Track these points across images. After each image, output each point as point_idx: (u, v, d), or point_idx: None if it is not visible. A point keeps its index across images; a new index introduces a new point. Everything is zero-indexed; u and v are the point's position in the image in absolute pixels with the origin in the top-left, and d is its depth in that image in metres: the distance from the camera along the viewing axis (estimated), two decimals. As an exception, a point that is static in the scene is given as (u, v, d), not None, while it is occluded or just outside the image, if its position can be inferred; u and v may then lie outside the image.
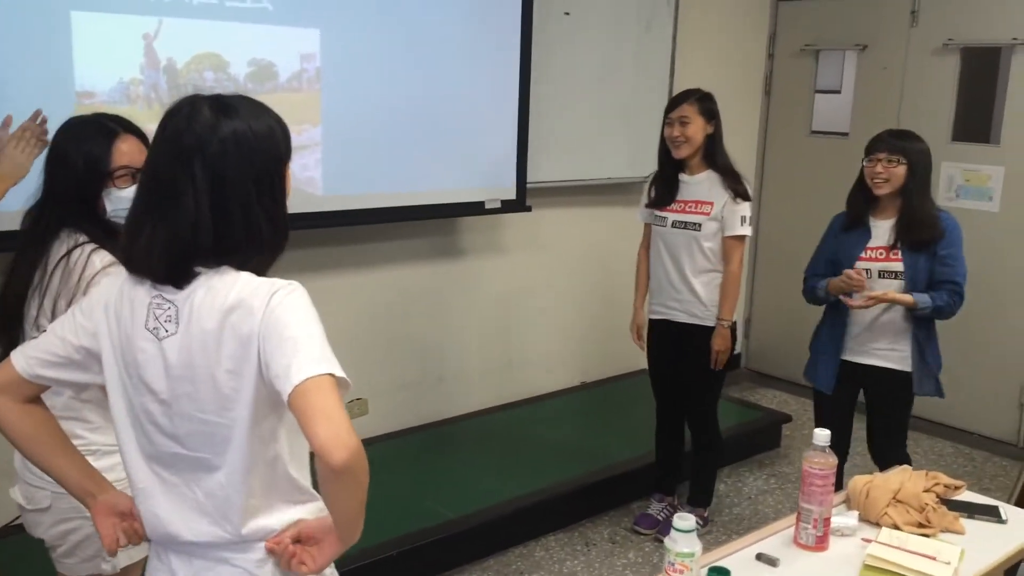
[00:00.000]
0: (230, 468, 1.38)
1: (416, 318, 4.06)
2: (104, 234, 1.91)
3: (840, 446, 3.05)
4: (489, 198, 3.92)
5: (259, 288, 1.35)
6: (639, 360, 4.96)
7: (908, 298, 2.91)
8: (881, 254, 3.00)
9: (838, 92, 5.67)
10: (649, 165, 4.66)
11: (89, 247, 1.88)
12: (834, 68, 5.28)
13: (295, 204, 2.75)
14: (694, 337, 3.38)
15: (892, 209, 3.00)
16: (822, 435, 1.88)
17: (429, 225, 3.98)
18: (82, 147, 1.93)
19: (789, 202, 5.22)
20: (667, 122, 3.34)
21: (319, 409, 1.25)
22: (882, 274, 2.98)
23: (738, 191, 3.30)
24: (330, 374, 1.27)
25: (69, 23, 2.71)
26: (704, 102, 3.33)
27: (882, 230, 3.01)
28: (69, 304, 1.83)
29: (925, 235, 2.93)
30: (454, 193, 3.80)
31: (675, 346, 3.46)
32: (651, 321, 3.53)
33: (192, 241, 1.34)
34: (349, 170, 3.43)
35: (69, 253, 1.87)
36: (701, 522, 3.60)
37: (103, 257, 1.88)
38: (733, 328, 3.38)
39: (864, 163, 3.04)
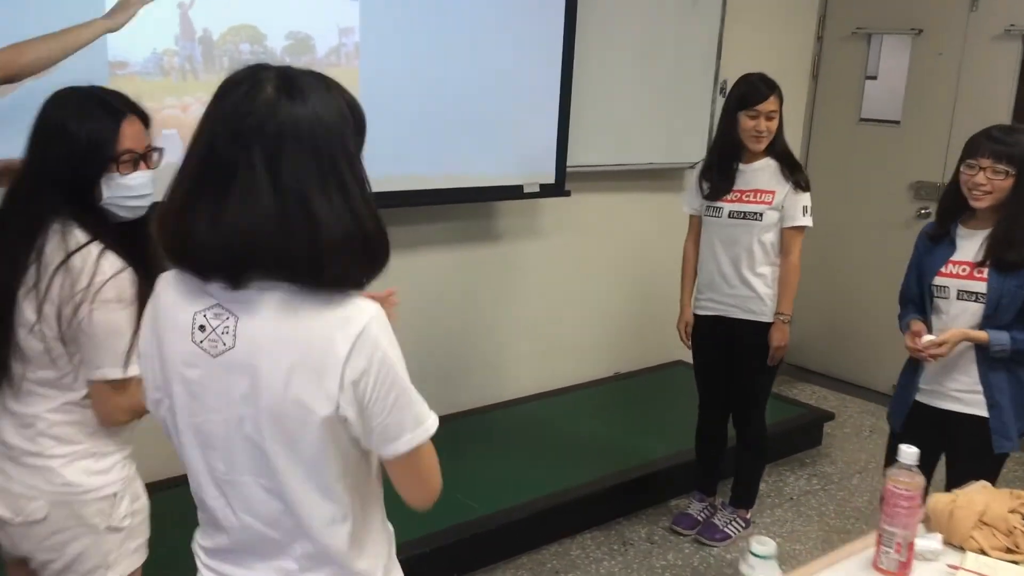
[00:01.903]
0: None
1: (450, 303, 3.93)
2: (100, 227, 1.74)
3: None
4: (527, 182, 3.77)
5: (336, 316, 1.19)
6: (673, 352, 4.85)
7: (981, 335, 2.51)
8: (964, 270, 2.57)
9: (874, 78, 5.45)
10: (690, 151, 4.54)
11: (95, 250, 1.71)
12: (886, 52, 5.06)
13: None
14: (750, 334, 3.23)
15: (987, 220, 2.55)
16: (909, 452, 1.74)
17: (465, 208, 3.84)
18: (85, 125, 1.74)
19: (835, 191, 5.02)
20: (751, 114, 3.10)
21: (419, 474, 1.24)
22: (961, 295, 2.57)
23: (799, 180, 3.13)
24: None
25: (102, -10, 2.58)
26: (780, 91, 3.15)
27: (970, 243, 2.58)
28: (76, 312, 1.69)
29: (1022, 256, 2.49)
30: (492, 176, 3.66)
31: (728, 343, 3.30)
32: (699, 317, 3.37)
33: (258, 232, 1.16)
34: (385, 150, 3.28)
35: (70, 256, 1.69)
36: (743, 523, 3.47)
37: (112, 262, 1.71)
38: (789, 322, 3.24)
39: (962, 168, 2.57)
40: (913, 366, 2.75)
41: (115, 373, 1.74)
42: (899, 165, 4.83)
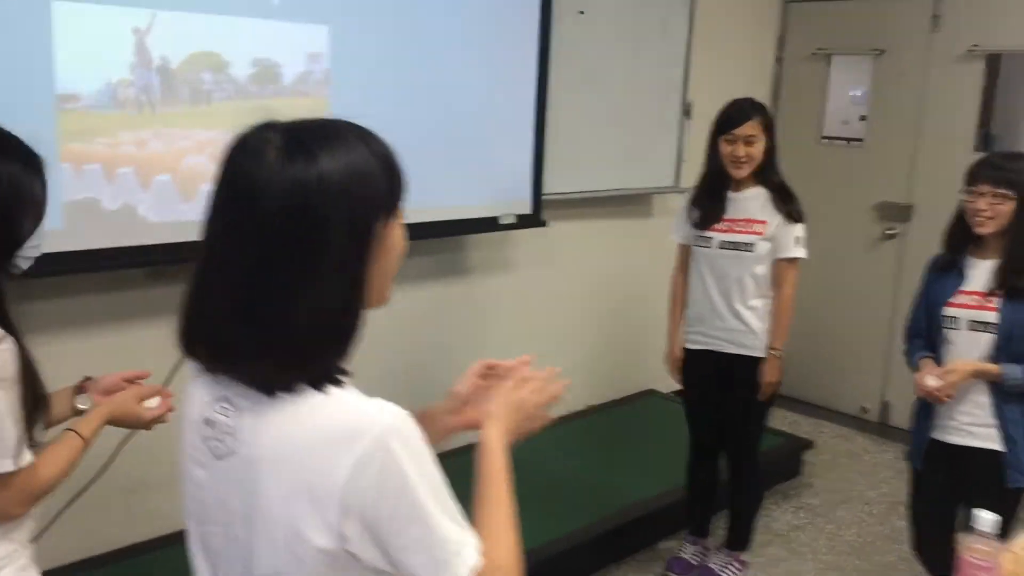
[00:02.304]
0: None
1: (420, 342, 3.71)
2: None
3: (933, 541, 2.67)
4: (503, 213, 3.58)
5: (343, 426, 0.98)
6: (644, 381, 4.72)
7: (992, 368, 2.44)
8: (974, 300, 2.51)
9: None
10: (659, 176, 4.43)
11: None
12: (848, 72, 5.02)
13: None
14: (742, 369, 3.09)
15: (996, 248, 2.50)
16: (987, 520, 1.60)
17: (435, 242, 3.63)
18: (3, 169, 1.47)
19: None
20: (728, 139, 2.99)
21: None
22: (972, 325, 2.50)
23: (792, 211, 3.01)
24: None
25: (49, 15, 2.31)
26: (766, 115, 3.03)
27: (980, 272, 2.53)
28: None
29: None
30: (466, 208, 3.46)
31: (719, 378, 3.16)
32: (689, 351, 3.23)
33: (227, 319, 0.99)
34: (358, 183, 3.07)
35: None
36: (739, 566, 3.32)
37: None
38: (782, 360, 3.10)
39: (963, 195, 2.54)
40: (926, 402, 2.65)
41: (4, 466, 1.45)
42: (863, 185, 4.80)
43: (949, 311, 2.56)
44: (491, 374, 1.36)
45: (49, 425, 1.62)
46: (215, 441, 1.04)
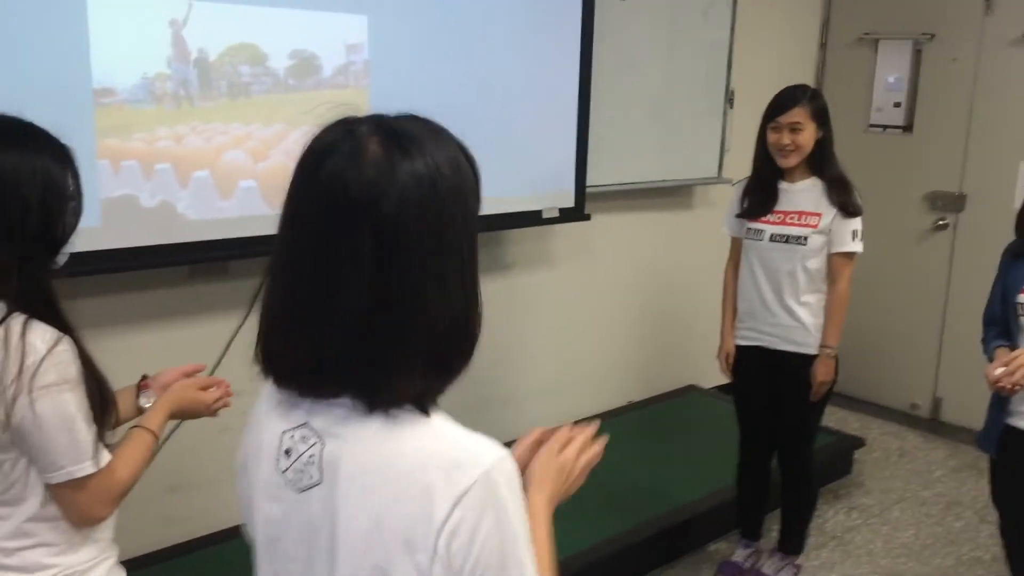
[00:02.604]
0: None
1: (461, 340, 3.63)
2: (18, 287, 1.38)
3: (1015, 530, 2.59)
4: (546, 206, 3.49)
5: (442, 457, 0.90)
6: (684, 376, 4.61)
7: None
8: None
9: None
10: (703, 167, 4.31)
11: (17, 324, 1.36)
12: (896, 58, 4.86)
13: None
14: (794, 366, 2.97)
15: None
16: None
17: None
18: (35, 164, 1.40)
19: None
20: (773, 126, 2.88)
21: None
22: None
23: (848, 206, 2.88)
24: None
25: (85, 8, 2.25)
26: (816, 102, 2.89)
27: None
28: (11, 409, 1.35)
29: None
30: (508, 201, 3.37)
31: (771, 375, 3.04)
32: (740, 347, 3.11)
33: (349, 334, 0.90)
34: (398, 178, 2.99)
35: None
36: (795, 570, 3.21)
37: (43, 335, 1.37)
38: (836, 356, 2.99)
39: None
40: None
41: (84, 469, 1.41)
42: (913, 175, 4.65)
43: (1023, 298, 2.45)
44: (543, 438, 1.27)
45: (116, 425, 1.58)
46: (296, 473, 0.95)
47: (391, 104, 3.19)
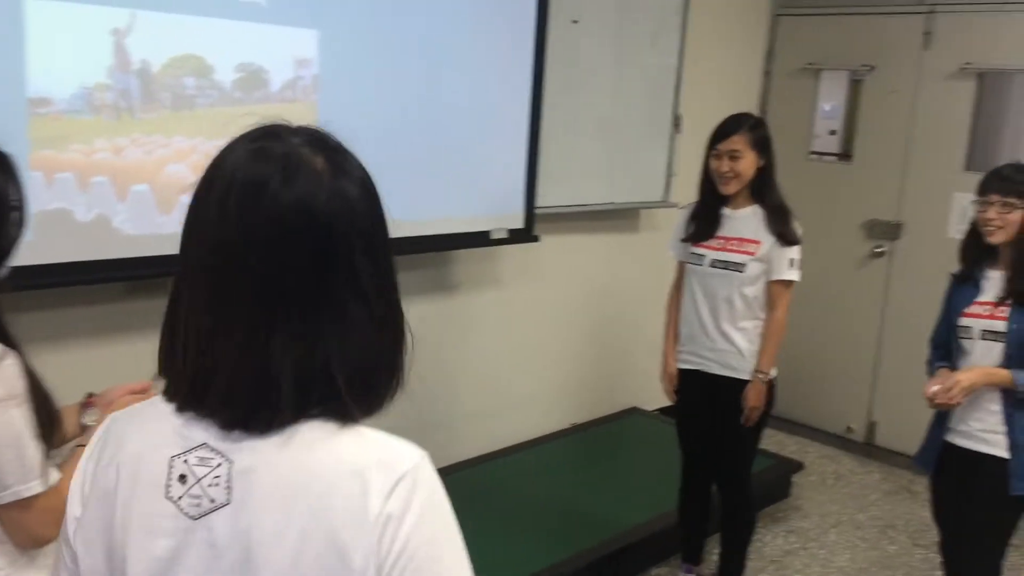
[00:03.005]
0: None
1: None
2: None
3: (953, 545, 2.67)
4: (493, 227, 3.46)
5: (368, 457, 0.88)
6: (627, 398, 4.62)
7: (1003, 375, 2.44)
8: (986, 310, 2.53)
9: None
10: (649, 190, 4.34)
11: None
12: (837, 88, 4.96)
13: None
14: (729, 391, 2.99)
15: (1007, 258, 2.53)
16: None
17: (421, 256, 3.50)
18: None
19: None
20: (714, 153, 2.92)
21: None
22: (984, 335, 2.52)
23: (785, 235, 2.91)
24: None
25: (22, 13, 2.15)
26: (757, 131, 2.93)
27: (993, 282, 2.55)
28: None
29: None
30: (455, 221, 3.33)
31: (708, 399, 3.06)
32: (680, 371, 3.13)
33: (317, 359, 0.87)
34: (345, 195, 2.93)
35: None
36: (734, 598, 3.22)
37: None
38: (772, 382, 3.01)
39: (975, 206, 2.56)
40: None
41: (32, 488, 1.37)
42: (852, 203, 4.74)
43: (964, 321, 2.58)
44: None
45: (60, 444, 1.52)
46: (192, 499, 0.88)
47: (338, 121, 3.14)
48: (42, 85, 2.21)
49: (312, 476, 0.86)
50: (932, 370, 2.67)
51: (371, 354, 0.91)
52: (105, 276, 2.49)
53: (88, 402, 1.69)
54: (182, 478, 0.89)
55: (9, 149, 2.18)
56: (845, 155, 4.78)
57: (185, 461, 0.89)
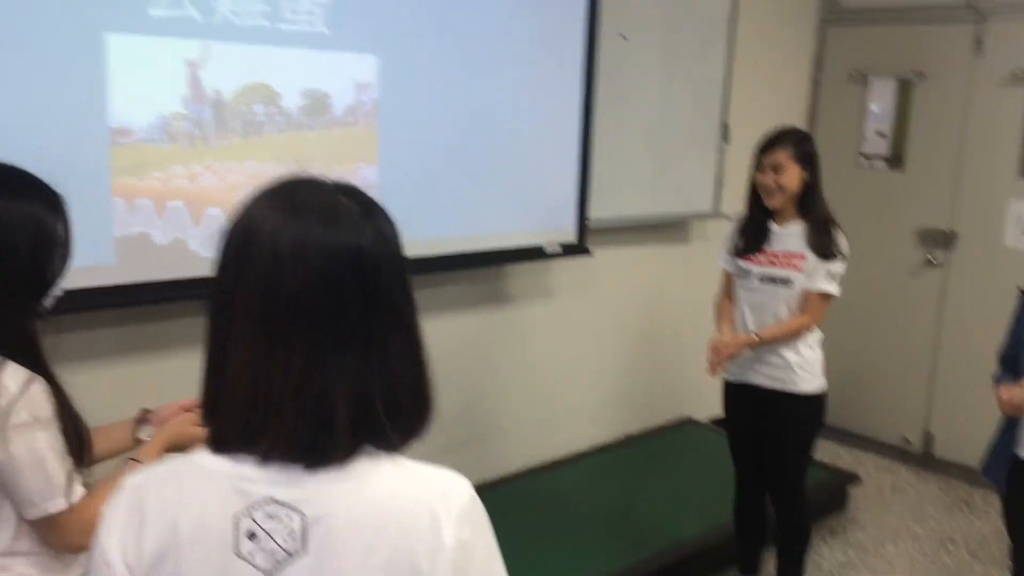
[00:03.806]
0: None
1: (459, 372, 3.64)
2: (15, 333, 1.44)
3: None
4: (547, 241, 3.52)
5: (431, 489, 0.94)
6: (681, 408, 4.64)
7: None
8: None
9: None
10: (698, 201, 4.36)
11: None
12: (887, 94, 4.95)
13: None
14: (778, 404, 3.00)
15: None
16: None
17: (475, 270, 3.57)
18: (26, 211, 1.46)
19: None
20: (758, 167, 2.95)
21: None
22: None
23: (823, 248, 2.90)
24: None
25: (103, 48, 2.26)
26: (802, 145, 2.94)
27: None
28: None
29: None
30: (511, 236, 3.40)
31: (758, 412, 3.07)
32: (729, 383, 3.15)
33: (370, 388, 0.93)
34: (405, 214, 2.97)
35: None
36: (793, 608, 3.23)
37: (14, 375, 1.41)
38: (823, 396, 3.03)
39: None
40: (1011, 419, 2.59)
41: (57, 505, 1.45)
42: (904, 211, 4.72)
43: None
44: None
45: (110, 456, 1.63)
46: (267, 553, 0.90)
47: (398, 141, 3.25)
48: (122, 116, 2.32)
49: (386, 514, 0.91)
50: (997, 385, 2.61)
51: (409, 385, 0.96)
52: (181, 294, 2.58)
53: (143, 417, 1.77)
54: (251, 535, 0.90)
55: (93, 177, 2.31)
56: (896, 160, 4.75)
57: (252, 518, 0.91)
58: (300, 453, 0.91)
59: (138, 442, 1.72)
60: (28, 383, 1.41)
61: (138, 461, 1.59)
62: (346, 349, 0.91)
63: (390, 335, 0.94)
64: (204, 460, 0.94)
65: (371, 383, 0.92)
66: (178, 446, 1.69)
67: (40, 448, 1.42)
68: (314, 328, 0.91)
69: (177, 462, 0.98)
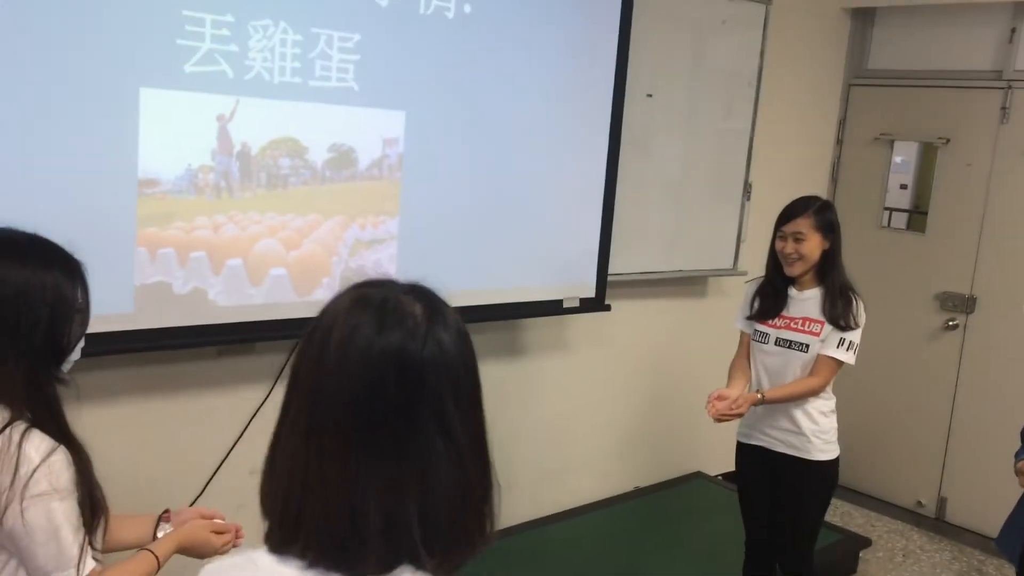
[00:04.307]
0: None
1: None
2: (19, 396, 1.46)
3: None
4: (566, 295, 3.53)
5: None
6: (691, 463, 4.62)
7: None
8: None
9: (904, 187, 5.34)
10: (718, 259, 4.37)
11: (18, 430, 1.43)
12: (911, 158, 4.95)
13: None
14: (791, 470, 2.99)
15: None
16: None
17: (494, 322, 3.58)
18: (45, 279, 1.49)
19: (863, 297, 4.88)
20: (779, 235, 2.95)
21: None
22: None
23: (838, 319, 2.89)
24: None
25: (137, 102, 2.31)
26: (822, 214, 2.95)
27: None
28: (2, 516, 1.42)
29: None
30: (531, 291, 3.41)
31: (771, 476, 3.06)
32: (742, 445, 3.15)
33: (444, 504, 0.91)
34: (425, 266, 3.01)
35: None
36: None
37: (38, 445, 1.44)
38: (835, 461, 3.01)
39: None
40: None
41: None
42: (925, 274, 4.70)
43: None
44: None
45: (128, 547, 1.66)
46: None
47: (421, 195, 3.26)
48: (151, 167, 2.36)
49: None
50: (1018, 461, 2.57)
51: (451, 506, 0.91)
52: (197, 341, 2.62)
53: (164, 516, 1.83)
54: None
55: (119, 226, 2.35)
56: (919, 215, 4.73)
57: None
58: (332, 561, 0.89)
59: (155, 538, 1.77)
60: (50, 453, 1.44)
61: (151, 551, 1.63)
62: (384, 457, 0.89)
63: (433, 448, 0.90)
64: (258, 556, 0.94)
65: (407, 498, 0.89)
66: (191, 550, 1.73)
67: (56, 519, 1.44)
68: (351, 431, 0.89)
69: (239, 557, 0.97)
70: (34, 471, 1.41)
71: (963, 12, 4.53)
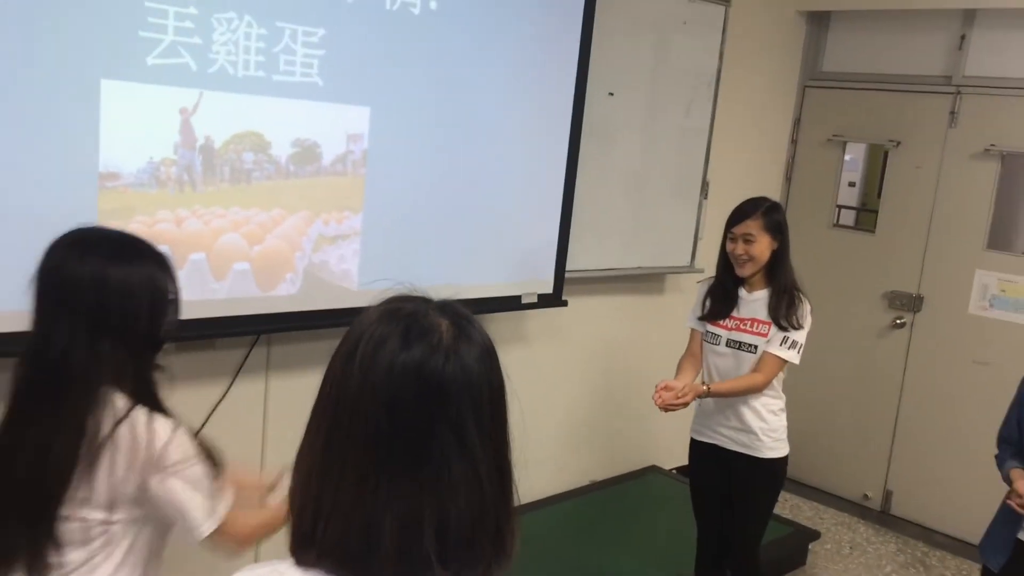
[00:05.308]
0: None
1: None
2: (140, 386, 1.59)
3: None
4: (524, 292, 3.56)
5: None
6: (646, 457, 4.69)
7: None
8: None
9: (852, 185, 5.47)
10: (675, 256, 4.43)
11: (142, 416, 1.56)
12: (861, 159, 5.08)
13: (327, 300, 2.73)
14: (741, 467, 3.07)
15: None
16: None
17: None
18: (144, 273, 1.60)
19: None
20: (729, 236, 3.00)
21: None
22: None
23: (781, 320, 2.95)
24: None
25: (98, 94, 2.28)
26: (771, 215, 2.99)
27: None
28: (145, 489, 1.57)
29: None
30: (491, 287, 3.44)
31: (722, 473, 3.13)
32: (696, 442, 3.21)
33: (463, 516, 0.92)
34: (386, 263, 3.04)
35: (115, 429, 1.53)
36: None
37: (163, 424, 1.59)
38: (783, 460, 3.08)
39: None
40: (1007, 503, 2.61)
41: (209, 526, 1.63)
42: (874, 273, 4.82)
43: None
44: None
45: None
46: None
47: (384, 192, 3.25)
48: (112, 160, 2.33)
49: None
50: (1004, 468, 2.63)
51: (467, 523, 0.91)
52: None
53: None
54: None
55: (78, 220, 2.31)
56: (868, 214, 4.86)
57: None
58: (348, 572, 0.90)
59: None
60: (175, 428, 1.59)
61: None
62: (401, 472, 0.89)
63: (450, 466, 0.90)
64: (283, 568, 0.93)
65: (423, 514, 0.89)
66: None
67: (196, 480, 1.60)
68: (371, 444, 0.90)
69: (265, 567, 0.95)
70: (167, 445, 1.55)
71: (915, 18, 4.65)
